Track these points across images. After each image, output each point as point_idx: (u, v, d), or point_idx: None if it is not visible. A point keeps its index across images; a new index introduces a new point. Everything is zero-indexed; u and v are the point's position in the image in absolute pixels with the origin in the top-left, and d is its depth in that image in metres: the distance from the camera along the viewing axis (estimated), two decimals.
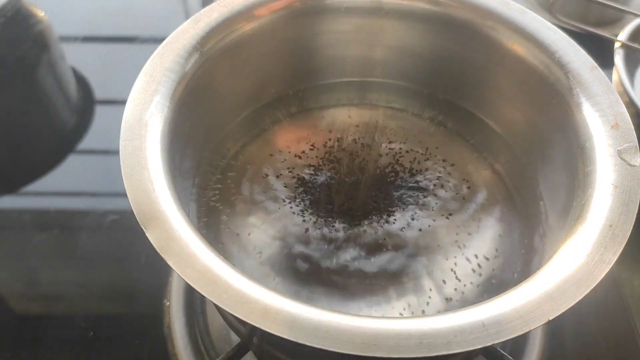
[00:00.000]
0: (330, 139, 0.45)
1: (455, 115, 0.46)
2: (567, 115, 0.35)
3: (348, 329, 0.25)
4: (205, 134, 0.41)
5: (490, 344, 0.25)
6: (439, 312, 0.35)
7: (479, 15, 0.40)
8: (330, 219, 0.39)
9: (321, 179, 0.42)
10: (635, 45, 0.63)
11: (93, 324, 0.45)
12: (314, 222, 0.39)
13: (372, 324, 0.25)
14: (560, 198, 0.36)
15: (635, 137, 0.32)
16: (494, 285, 0.37)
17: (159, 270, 0.47)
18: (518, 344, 0.44)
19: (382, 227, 0.39)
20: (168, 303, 0.46)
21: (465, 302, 0.36)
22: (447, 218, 0.40)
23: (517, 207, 0.41)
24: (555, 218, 0.37)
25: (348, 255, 0.38)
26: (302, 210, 0.40)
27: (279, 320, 0.25)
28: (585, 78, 0.35)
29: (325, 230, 0.39)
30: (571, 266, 0.27)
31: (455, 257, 0.38)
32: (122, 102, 0.33)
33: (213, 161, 0.42)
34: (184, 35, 0.36)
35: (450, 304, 0.36)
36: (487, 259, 0.38)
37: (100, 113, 0.64)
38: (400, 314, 0.36)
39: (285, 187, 0.41)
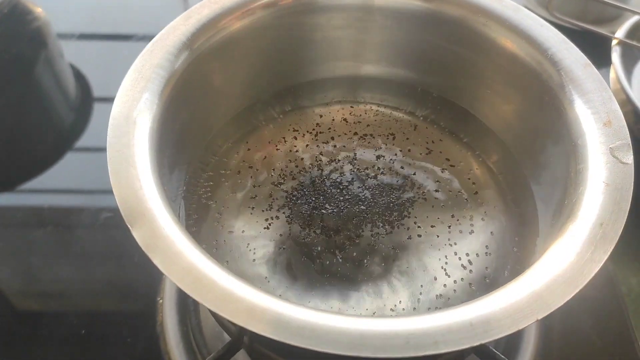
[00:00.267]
0: (323, 136, 0.44)
1: (449, 112, 0.46)
2: (560, 112, 0.35)
3: (334, 329, 0.25)
4: (196, 131, 0.40)
5: (478, 343, 0.24)
6: (427, 311, 0.35)
7: (470, 12, 0.40)
8: (324, 217, 0.39)
9: (315, 175, 0.42)
10: (633, 43, 0.62)
11: (86, 322, 0.45)
12: (308, 219, 0.39)
13: (358, 323, 0.25)
14: (553, 196, 0.36)
15: (628, 135, 0.32)
16: (485, 282, 0.37)
17: (152, 268, 0.46)
18: (512, 343, 0.44)
19: (374, 224, 0.39)
20: (161, 301, 0.46)
21: (457, 300, 0.36)
22: (439, 215, 0.40)
23: (509, 205, 0.41)
24: (547, 216, 0.36)
25: (340, 252, 0.38)
26: (296, 207, 0.40)
27: (264, 319, 0.25)
28: (578, 75, 0.35)
29: (319, 226, 0.39)
30: (561, 265, 0.27)
31: (446, 254, 0.38)
32: None
33: (205, 158, 0.42)
34: (174, 32, 0.36)
35: (441, 301, 0.36)
36: (478, 256, 0.38)
37: (99, 110, 0.64)
38: (392, 310, 0.36)
39: (279, 184, 0.41)
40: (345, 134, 0.45)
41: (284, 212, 0.40)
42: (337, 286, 0.36)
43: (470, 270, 0.37)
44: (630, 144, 0.31)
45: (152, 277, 0.47)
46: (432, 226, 0.39)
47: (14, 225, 0.53)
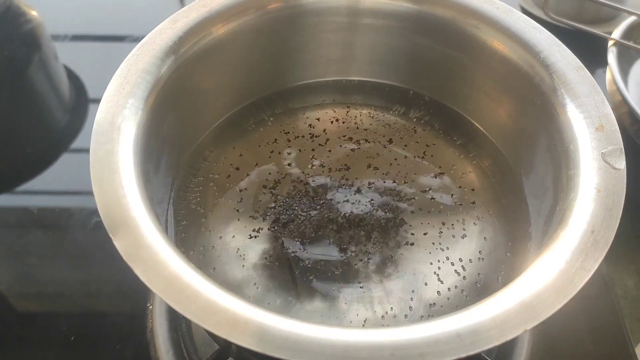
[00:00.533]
0: (315, 140, 0.44)
1: (442, 116, 0.45)
2: (552, 116, 0.34)
3: (318, 340, 0.24)
4: (185, 136, 0.40)
5: (465, 355, 0.24)
6: (420, 319, 0.34)
7: (461, 14, 0.39)
8: (314, 222, 0.39)
9: (306, 181, 0.41)
10: (629, 43, 0.62)
11: (76, 327, 0.45)
12: (298, 225, 0.38)
13: (343, 335, 0.25)
14: (545, 201, 0.35)
15: (621, 140, 0.31)
16: (478, 288, 0.37)
17: None
18: (505, 346, 0.44)
19: (366, 230, 0.38)
20: (151, 307, 0.45)
21: (450, 307, 0.36)
22: (432, 221, 0.39)
23: (503, 210, 0.40)
24: (540, 221, 0.36)
25: (331, 259, 0.37)
26: (287, 213, 0.39)
27: (247, 331, 0.24)
28: (570, 78, 0.34)
29: (309, 232, 0.38)
30: (550, 274, 0.26)
31: (438, 260, 0.38)
32: None
33: (194, 163, 0.42)
34: (161, 36, 0.36)
35: (434, 309, 0.36)
36: (471, 261, 0.38)
37: (94, 112, 0.63)
38: (383, 317, 0.35)
39: (270, 189, 0.41)
40: (338, 138, 0.44)
41: (274, 218, 0.39)
42: (327, 294, 0.36)
43: (464, 277, 0.37)
44: (623, 149, 0.31)
45: (142, 283, 0.46)
46: (424, 232, 0.39)
47: (9, 227, 0.53)
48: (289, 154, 0.43)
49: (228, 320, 0.25)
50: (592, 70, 0.71)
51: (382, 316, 0.35)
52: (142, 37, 0.67)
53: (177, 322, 0.44)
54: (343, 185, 0.41)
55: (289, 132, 0.44)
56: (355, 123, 0.45)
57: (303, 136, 0.44)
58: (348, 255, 0.37)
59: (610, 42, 0.61)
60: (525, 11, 0.72)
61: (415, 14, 0.41)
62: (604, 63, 0.61)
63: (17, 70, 0.67)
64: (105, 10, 0.77)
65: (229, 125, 0.44)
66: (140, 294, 0.46)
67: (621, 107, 0.58)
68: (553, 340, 0.45)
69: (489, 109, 0.42)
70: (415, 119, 0.46)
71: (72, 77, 0.68)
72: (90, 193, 0.54)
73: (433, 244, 0.38)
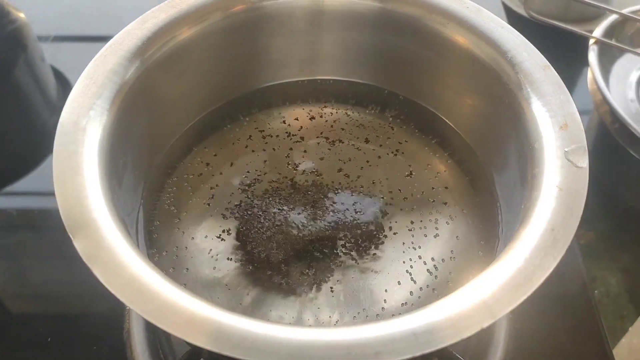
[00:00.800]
0: (291, 138, 0.44)
1: (418, 114, 0.45)
2: (519, 115, 0.35)
3: (275, 340, 0.24)
4: (156, 137, 0.40)
5: (420, 353, 0.24)
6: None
7: (427, 12, 0.39)
8: (287, 222, 0.39)
9: (281, 181, 0.41)
10: (611, 42, 0.62)
11: (51, 327, 0.45)
12: (271, 226, 0.39)
13: (300, 334, 0.25)
14: (514, 200, 0.35)
15: (584, 138, 0.31)
16: (450, 288, 0.37)
17: None
18: (481, 345, 0.44)
19: (338, 229, 0.38)
20: (128, 308, 0.45)
21: (421, 306, 0.36)
22: (405, 219, 0.39)
23: (475, 208, 0.40)
24: (510, 220, 0.36)
25: (301, 260, 0.37)
26: (259, 214, 0.39)
27: (204, 331, 0.24)
28: (537, 77, 0.34)
29: (281, 234, 0.38)
30: (508, 272, 0.27)
31: (411, 259, 0.38)
32: None
33: (168, 164, 0.42)
34: (129, 37, 0.36)
35: (406, 308, 0.36)
36: (444, 261, 0.38)
37: None
38: (355, 317, 0.35)
39: (244, 188, 0.41)
40: (315, 137, 0.44)
41: (247, 219, 0.39)
42: (298, 294, 0.36)
43: (436, 276, 0.37)
44: (586, 148, 0.31)
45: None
46: (397, 232, 0.39)
47: None
48: (264, 152, 0.43)
49: (185, 321, 0.25)
50: (574, 68, 0.71)
51: (354, 317, 0.36)
52: None
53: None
54: (316, 185, 0.41)
55: (264, 131, 0.45)
56: (332, 123, 0.45)
57: (278, 135, 0.44)
58: (320, 255, 0.37)
59: (592, 41, 0.61)
60: (508, 9, 0.72)
61: (379, 12, 0.41)
62: (586, 62, 0.61)
63: (2, 71, 0.67)
64: (92, 10, 0.77)
65: (204, 125, 0.44)
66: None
67: (602, 106, 0.58)
68: (530, 339, 0.45)
69: (460, 108, 0.42)
70: (391, 118, 0.46)
71: (60, 77, 0.68)
72: None
73: (405, 243, 0.38)
